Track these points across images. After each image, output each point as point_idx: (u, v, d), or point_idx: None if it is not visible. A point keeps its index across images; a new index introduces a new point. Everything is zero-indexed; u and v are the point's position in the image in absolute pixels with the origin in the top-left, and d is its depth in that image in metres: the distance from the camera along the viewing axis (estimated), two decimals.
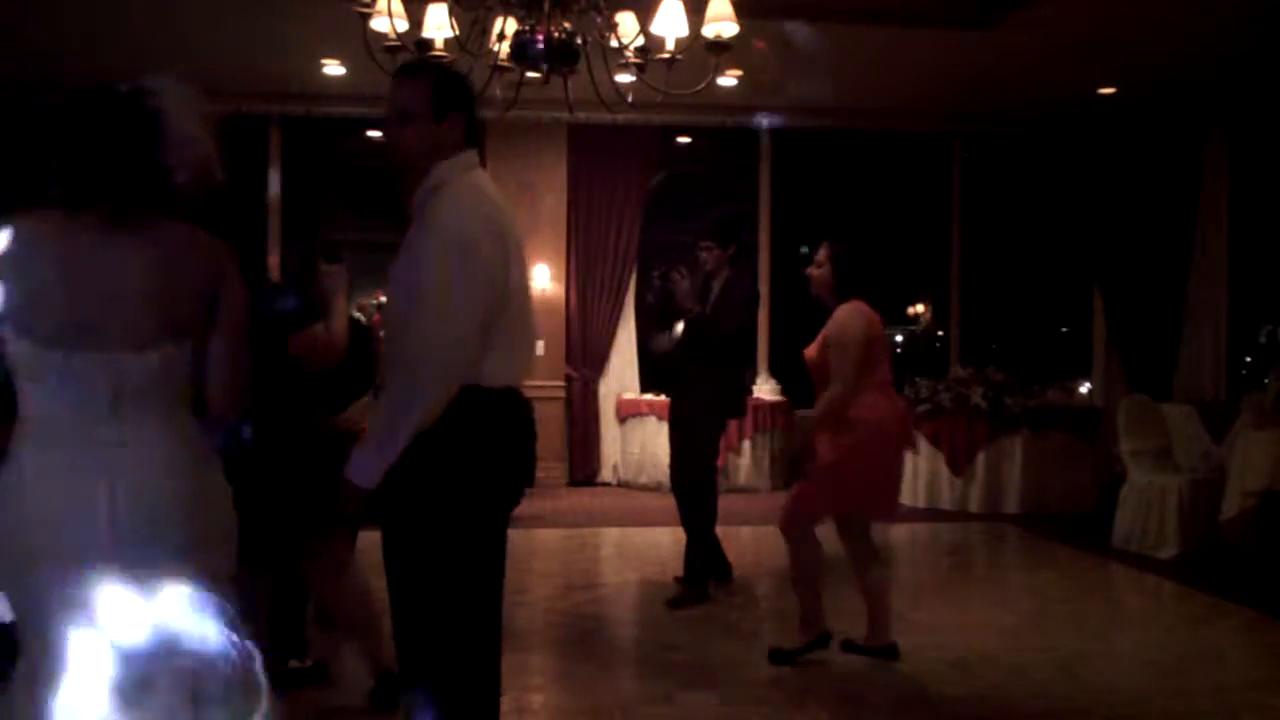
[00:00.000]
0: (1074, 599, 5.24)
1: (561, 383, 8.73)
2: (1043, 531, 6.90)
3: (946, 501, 7.70)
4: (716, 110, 8.28)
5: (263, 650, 2.06)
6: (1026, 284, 9.73)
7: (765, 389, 8.63)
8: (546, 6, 3.75)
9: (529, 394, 2.52)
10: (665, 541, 6.25)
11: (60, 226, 1.91)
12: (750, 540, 6.52)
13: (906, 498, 7.85)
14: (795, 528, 4.00)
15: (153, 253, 1.92)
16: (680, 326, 5.02)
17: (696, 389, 4.97)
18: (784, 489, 8.42)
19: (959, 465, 7.64)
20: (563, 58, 3.84)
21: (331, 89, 7.81)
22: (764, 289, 8.57)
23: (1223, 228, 8.58)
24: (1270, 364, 6.57)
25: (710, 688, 3.79)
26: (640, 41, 3.99)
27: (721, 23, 3.79)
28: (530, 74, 4.06)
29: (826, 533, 4.06)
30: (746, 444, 8.43)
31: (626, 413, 8.79)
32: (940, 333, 10.26)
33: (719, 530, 5.18)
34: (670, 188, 9.45)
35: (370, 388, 4.00)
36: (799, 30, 6.06)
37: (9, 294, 1.86)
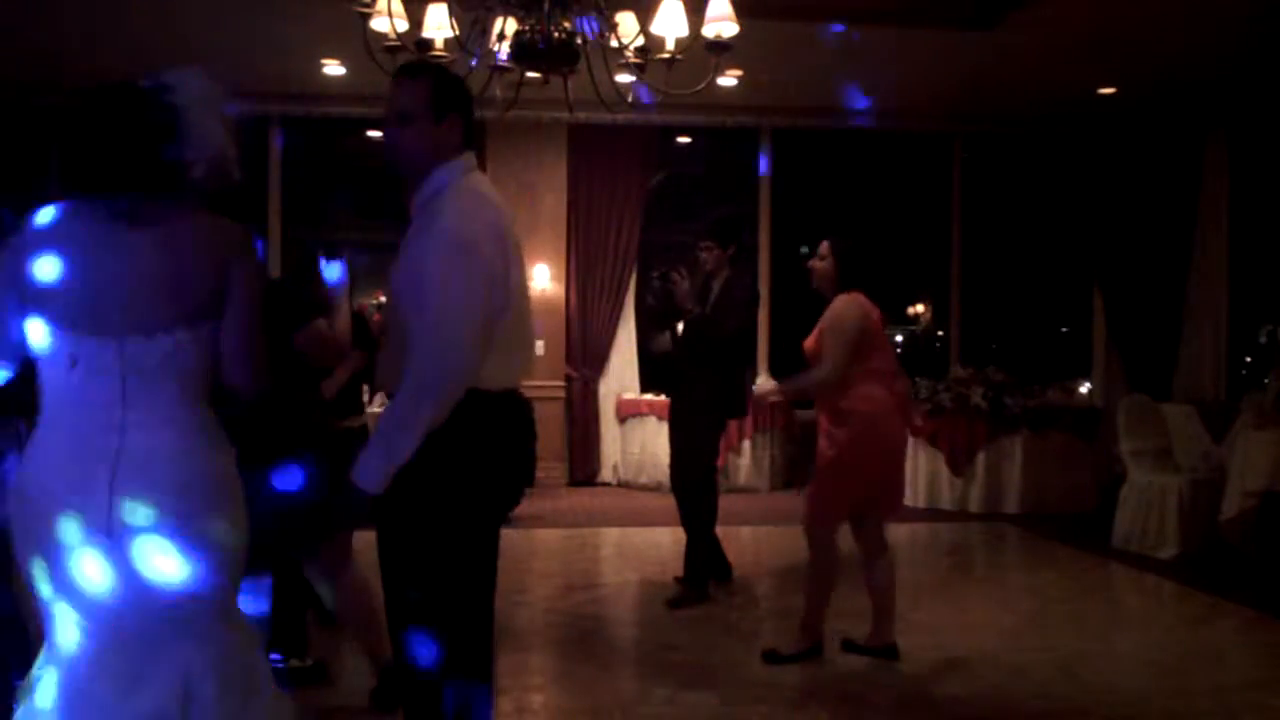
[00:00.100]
0: (1074, 599, 5.24)
1: (561, 383, 8.73)
2: (1043, 531, 6.90)
3: (946, 501, 7.70)
4: (716, 110, 8.29)
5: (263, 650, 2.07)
6: (1026, 284, 9.73)
7: (765, 389, 8.62)
8: (546, 6, 3.75)
9: (529, 394, 2.52)
10: (665, 541, 6.25)
11: (80, 217, 1.95)
12: (750, 540, 6.53)
13: (906, 497, 7.85)
14: (817, 533, 4.00)
15: (166, 243, 1.95)
16: (680, 327, 5.02)
17: (696, 389, 4.97)
18: (784, 489, 8.45)
19: (959, 465, 7.64)
20: (562, 58, 3.84)
21: (331, 89, 7.81)
22: (764, 289, 8.57)
23: (1223, 228, 8.58)
24: (1270, 364, 6.57)
25: (710, 688, 3.79)
26: (640, 41, 3.99)
27: (721, 23, 3.79)
28: (530, 74, 4.06)
29: (842, 531, 4.08)
30: (746, 444, 8.44)
31: (626, 413, 8.79)
32: (940, 333, 10.26)
33: (719, 530, 5.18)
34: (670, 188, 9.45)
35: (368, 384, 4.01)
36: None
37: (32, 281, 1.91)
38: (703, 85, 4.05)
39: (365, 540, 2.80)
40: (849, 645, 4.13)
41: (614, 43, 3.99)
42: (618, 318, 8.88)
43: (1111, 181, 8.59)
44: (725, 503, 5.35)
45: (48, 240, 1.94)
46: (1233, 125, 8.45)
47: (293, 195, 8.69)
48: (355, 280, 3.44)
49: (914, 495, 7.80)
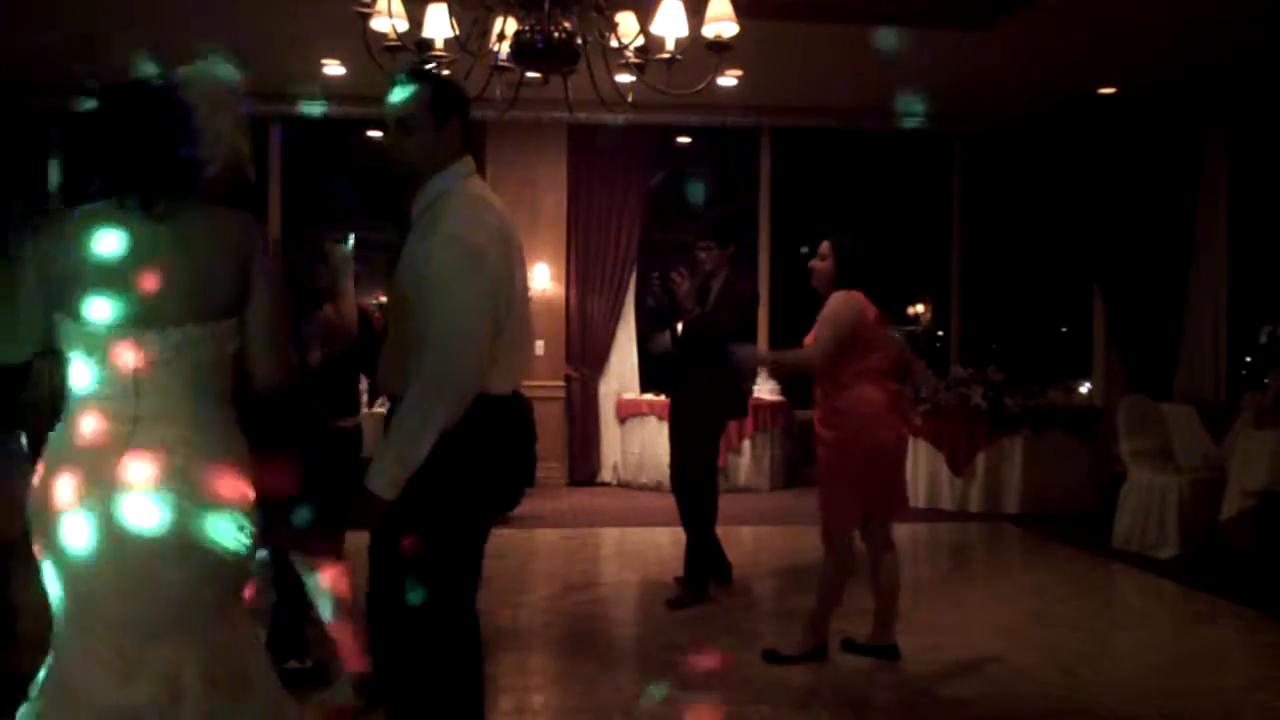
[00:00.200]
0: (1074, 599, 5.24)
1: (561, 383, 8.73)
2: (1043, 531, 6.90)
3: (946, 501, 7.70)
4: (716, 110, 8.29)
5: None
6: (1026, 284, 9.71)
7: (765, 389, 8.62)
8: (546, 6, 3.75)
9: (529, 394, 2.52)
10: (665, 541, 6.25)
11: (99, 216, 1.98)
12: (750, 540, 6.53)
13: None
14: (836, 534, 4.01)
15: (184, 239, 1.97)
16: (680, 327, 5.02)
17: (696, 389, 4.97)
18: (784, 489, 8.45)
19: (959, 465, 7.64)
20: (562, 58, 3.84)
21: (331, 89, 7.81)
22: (764, 288, 8.59)
23: (1222, 228, 8.57)
24: (1270, 364, 6.55)
25: (710, 688, 3.79)
26: (640, 41, 3.99)
27: (721, 23, 3.79)
28: (530, 74, 4.06)
29: None
30: (746, 444, 8.44)
31: (626, 413, 8.79)
32: (940, 333, 10.25)
33: (719, 530, 5.18)
34: (670, 188, 9.45)
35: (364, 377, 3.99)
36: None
37: (55, 274, 1.95)
38: (703, 85, 4.05)
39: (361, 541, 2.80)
40: (849, 645, 4.14)
41: (614, 43, 3.99)
42: (618, 318, 8.88)
43: (1111, 181, 8.58)
44: (725, 503, 5.35)
45: (70, 234, 1.97)
46: (1233, 125, 8.44)
47: (293, 195, 8.70)
48: (357, 278, 3.44)
49: (914, 495, 7.74)
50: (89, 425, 1.94)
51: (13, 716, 2.01)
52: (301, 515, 3.05)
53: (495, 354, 2.31)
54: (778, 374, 8.67)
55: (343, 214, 9.59)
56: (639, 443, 8.66)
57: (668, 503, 5.46)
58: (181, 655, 1.93)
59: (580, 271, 8.76)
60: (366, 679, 3.35)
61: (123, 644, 1.92)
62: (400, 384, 2.33)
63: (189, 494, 1.93)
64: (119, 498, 1.90)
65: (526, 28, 3.81)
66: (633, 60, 4.02)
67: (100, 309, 1.94)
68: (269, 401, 2.09)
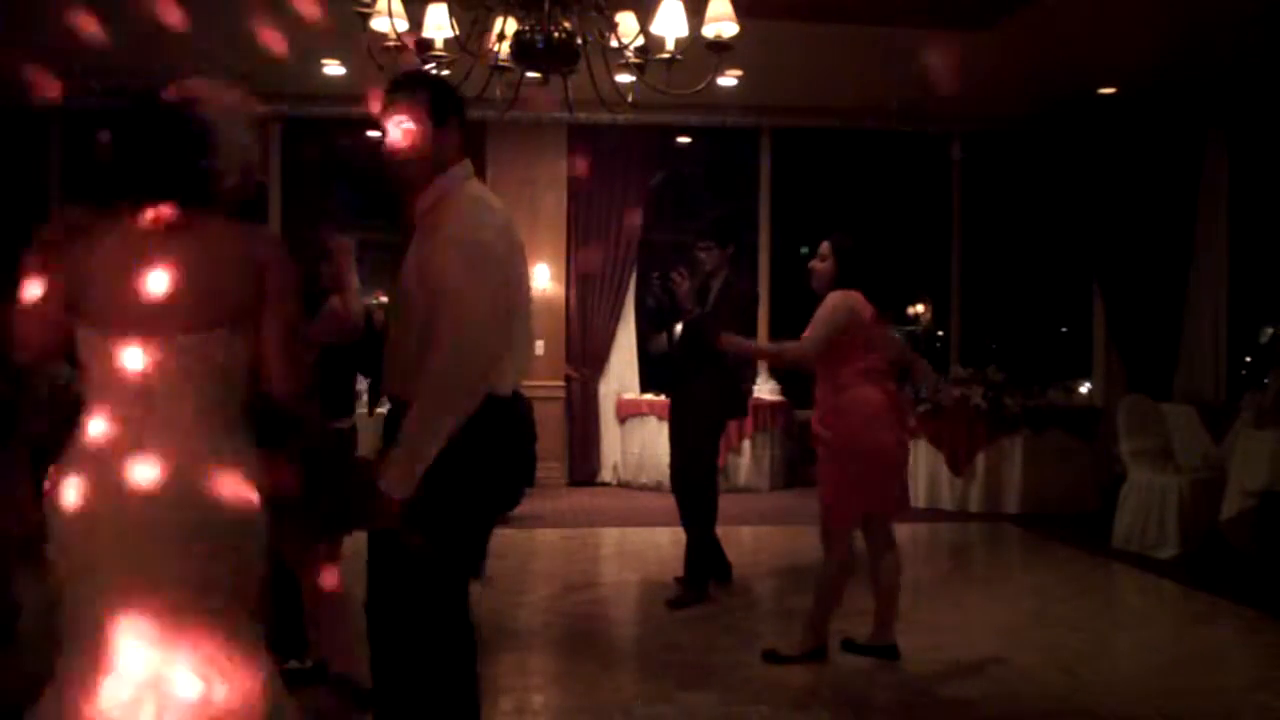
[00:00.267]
0: (1074, 599, 5.24)
1: (561, 383, 8.73)
2: (1043, 531, 6.90)
3: (946, 501, 7.70)
4: (716, 110, 8.29)
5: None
6: (1026, 284, 9.72)
7: (765, 389, 8.63)
8: (546, 6, 3.75)
9: (529, 394, 2.53)
10: (665, 541, 6.24)
11: (117, 227, 2.03)
12: (750, 540, 6.53)
13: None
14: (835, 533, 4.01)
15: (197, 250, 2.00)
16: (679, 327, 5.02)
17: (696, 389, 4.97)
18: (784, 489, 8.45)
19: (959, 465, 7.64)
20: (562, 58, 3.84)
21: (331, 89, 7.81)
22: (764, 289, 8.59)
23: (1222, 228, 8.57)
24: (1270, 364, 6.56)
25: (710, 688, 3.79)
26: (640, 41, 3.99)
27: (721, 23, 3.78)
28: (530, 74, 4.06)
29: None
30: (746, 444, 8.44)
31: (626, 413, 8.79)
32: (940, 333, 10.26)
33: (719, 530, 5.18)
34: (670, 188, 9.45)
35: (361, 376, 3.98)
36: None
37: (76, 286, 2.00)
38: (703, 85, 4.05)
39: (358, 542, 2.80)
40: (849, 645, 4.14)
41: (614, 43, 3.99)
42: (618, 318, 8.88)
43: (1111, 181, 8.58)
44: (725, 503, 5.34)
45: (88, 241, 2.02)
46: (1233, 125, 8.45)
47: (293, 195, 8.69)
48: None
49: (914, 495, 7.70)
50: (100, 429, 1.97)
51: (13, 717, 2.02)
52: (302, 516, 3.05)
53: (502, 353, 2.32)
54: (776, 373, 8.69)
55: (343, 214, 9.60)
56: (639, 443, 8.65)
57: (668, 503, 5.46)
58: (183, 655, 1.94)
59: (580, 271, 8.76)
60: (352, 681, 3.35)
61: (125, 642, 1.93)
62: (405, 385, 2.34)
63: (196, 499, 1.95)
64: (126, 501, 1.91)
65: (526, 28, 3.80)
66: (633, 60, 4.02)
67: (112, 315, 1.97)
68: (271, 404, 2.10)
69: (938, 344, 10.32)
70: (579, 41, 3.85)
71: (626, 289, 8.86)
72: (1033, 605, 5.10)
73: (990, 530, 7.14)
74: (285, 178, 8.66)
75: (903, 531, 6.81)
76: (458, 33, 3.92)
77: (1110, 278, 8.77)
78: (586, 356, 8.82)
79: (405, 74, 2.60)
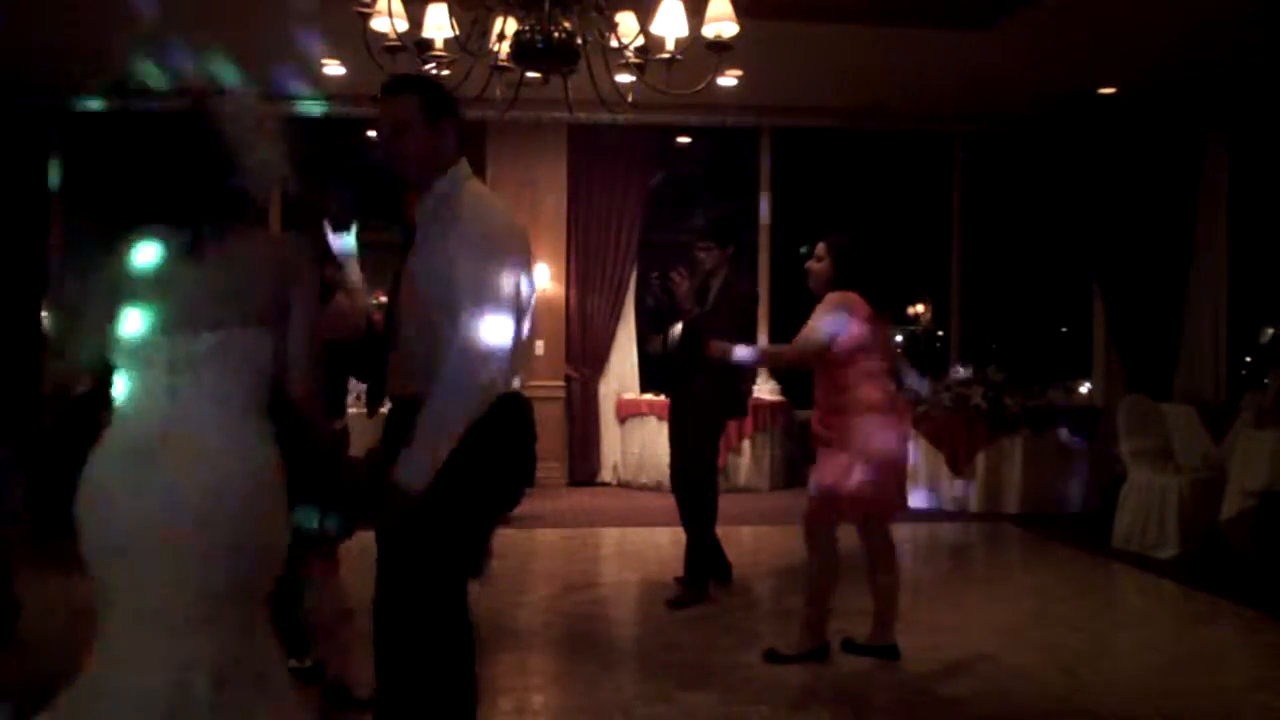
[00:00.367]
0: (1074, 599, 5.24)
1: (561, 383, 8.73)
2: (1043, 531, 6.90)
3: (946, 501, 7.70)
4: (716, 110, 8.29)
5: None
6: (1026, 284, 9.72)
7: (765, 389, 8.63)
8: (546, 6, 3.75)
9: (529, 394, 2.53)
10: (665, 541, 6.24)
11: (161, 239, 2.10)
12: (750, 540, 6.53)
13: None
14: (816, 530, 4.01)
15: (226, 259, 2.06)
16: (679, 328, 5.02)
17: (696, 389, 4.96)
18: (784, 489, 8.44)
19: (959, 465, 7.64)
20: (562, 58, 3.84)
21: (331, 89, 7.81)
22: (764, 289, 8.60)
23: (1222, 228, 8.57)
24: (1270, 364, 6.56)
25: (710, 688, 3.79)
26: (640, 41, 3.99)
27: (721, 23, 3.79)
28: (530, 74, 4.06)
29: (845, 531, 4.08)
30: (746, 444, 8.44)
31: (626, 413, 8.79)
32: (940, 333, 10.26)
33: (719, 530, 5.18)
34: (670, 188, 9.45)
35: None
36: None
37: (112, 294, 2.08)
38: (703, 85, 4.05)
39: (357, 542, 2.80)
40: (849, 645, 4.13)
41: (614, 43, 3.99)
42: (618, 318, 8.88)
43: (1111, 181, 8.59)
44: (725, 503, 5.34)
45: (126, 257, 2.10)
46: (1233, 125, 8.45)
47: (292, 195, 8.67)
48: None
49: (914, 495, 7.80)
50: (127, 426, 2.03)
51: (12, 716, 2.04)
52: (306, 516, 3.05)
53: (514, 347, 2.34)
54: (776, 373, 8.69)
55: (343, 214, 9.59)
56: (639, 443, 8.65)
57: (668, 503, 5.46)
58: (198, 651, 1.96)
59: (580, 271, 8.76)
60: (347, 685, 3.35)
61: (143, 635, 1.96)
62: (412, 384, 2.34)
63: (217, 497, 1.98)
64: (150, 496, 1.96)
65: (526, 28, 3.81)
66: (633, 60, 4.02)
67: (139, 319, 2.04)
68: (286, 403, 2.13)
69: (938, 344, 10.32)
70: (579, 41, 3.85)
71: (626, 289, 8.86)
72: (1033, 605, 5.10)
73: (990, 530, 7.14)
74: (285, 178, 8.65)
75: (903, 531, 6.84)
76: (458, 33, 3.92)
77: (1110, 277, 8.77)
78: (586, 356, 8.82)
79: (398, 76, 2.60)
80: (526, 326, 2.49)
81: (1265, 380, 6.32)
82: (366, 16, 3.91)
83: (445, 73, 3.98)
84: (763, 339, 8.69)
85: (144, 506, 1.95)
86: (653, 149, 8.81)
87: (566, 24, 3.80)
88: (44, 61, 7.12)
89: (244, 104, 2.14)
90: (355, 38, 4.06)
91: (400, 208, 2.59)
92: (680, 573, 5.10)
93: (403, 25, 3.98)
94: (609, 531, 7.00)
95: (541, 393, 7.94)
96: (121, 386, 2.07)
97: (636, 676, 4.02)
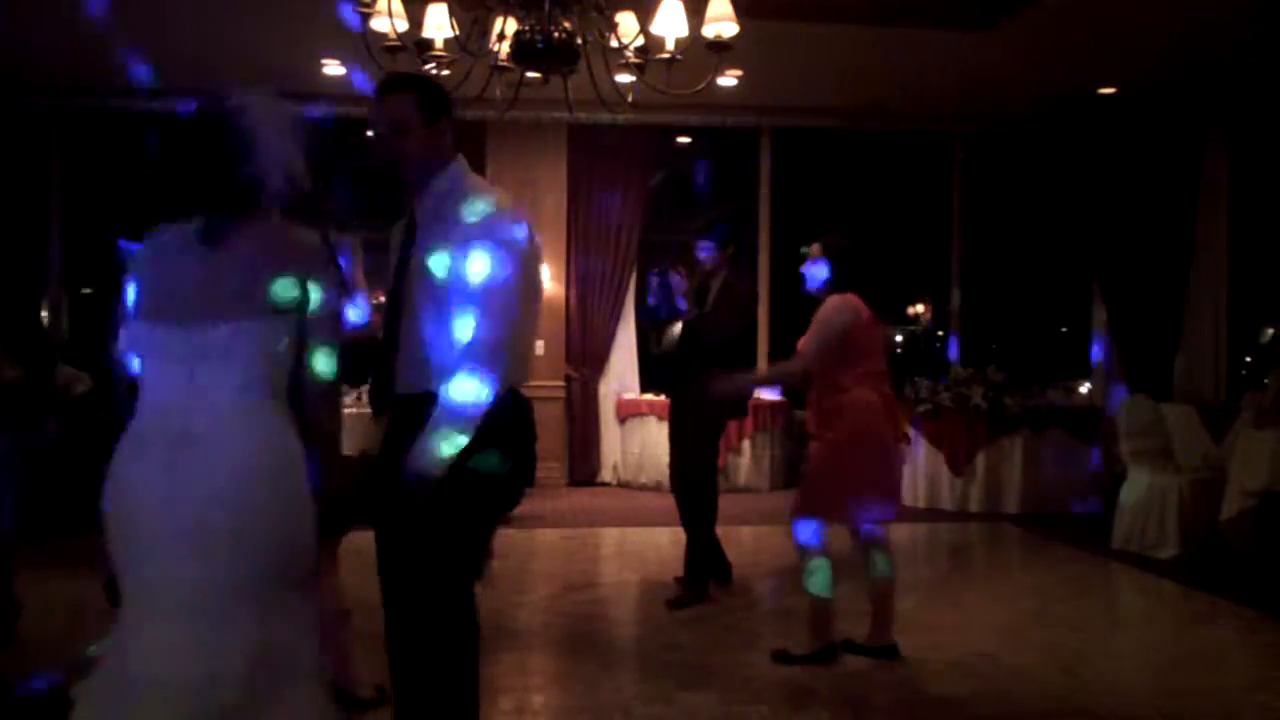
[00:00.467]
0: (1074, 599, 5.24)
1: (561, 383, 8.73)
2: (1043, 531, 6.90)
3: (946, 501, 7.70)
4: (716, 110, 8.29)
5: None
6: (1026, 284, 9.72)
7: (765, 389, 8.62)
8: (546, 6, 3.75)
9: (529, 394, 2.53)
10: (665, 541, 6.25)
11: (176, 231, 2.13)
12: (750, 540, 6.52)
13: (906, 498, 7.85)
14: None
15: (241, 254, 2.07)
16: (678, 328, 5.02)
17: (696, 389, 4.95)
18: (784, 489, 8.44)
19: (959, 465, 7.64)
20: (562, 58, 3.84)
21: (331, 89, 7.81)
22: (764, 289, 8.60)
23: (1222, 228, 8.58)
24: (1270, 364, 6.56)
25: (710, 688, 3.79)
26: (640, 41, 3.99)
27: (721, 23, 3.79)
28: (530, 74, 4.06)
29: (839, 532, 4.08)
30: (746, 444, 8.44)
31: (626, 413, 8.79)
32: (940, 333, 10.26)
33: (719, 530, 5.18)
34: (670, 188, 9.45)
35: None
36: None
37: (136, 286, 2.12)
38: (703, 85, 4.05)
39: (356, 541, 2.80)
40: (849, 646, 4.13)
41: (614, 43, 3.99)
42: (618, 318, 8.88)
43: (1111, 181, 8.59)
44: (725, 503, 5.34)
45: (144, 252, 2.15)
46: (1233, 125, 8.45)
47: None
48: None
49: (914, 495, 7.81)
50: (149, 420, 2.06)
51: (13, 716, 2.04)
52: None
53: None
54: (767, 386, 8.67)
55: (343, 214, 9.59)
56: (639, 443, 8.66)
57: (668, 503, 5.46)
58: (229, 641, 1.97)
59: (580, 271, 8.76)
60: (345, 687, 3.35)
61: (174, 627, 1.97)
62: (420, 383, 2.35)
63: (241, 486, 1.99)
64: (175, 489, 1.97)
65: (526, 28, 3.81)
66: (633, 60, 4.02)
67: (159, 310, 2.07)
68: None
69: (938, 344, 10.32)
70: (579, 41, 3.86)
71: (626, 289, 8.86)
72: (1033, 605, 5.10)
73: (990, 530, 7.14)
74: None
75: (902, 531, 6.87)
76: (457, 33, 3.92)
77: (1110, 277, 8.77)
78: (586, 356, 8.82)
79: (393, 75, 2.61)
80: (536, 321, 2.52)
81: (1265, 380, 6.31)
82: (366, 16, 3.91)
83: (445, 73, 3.98)
84: (763, 339, 8.72)
85: (169, 499, 1.97)
86: (653, 149, 8.81)
87: (566, 24, 3.81)
88: (44, 61, 7.12)
89: (262, 100, 2.17)
90: (355, 38, 4.06)
91: (400, 207, 2.59)
92: (680, 573, 5.10)
93: (403, 25, 3.98)
94: (609, 531, 7.00)
95: (541, 393, 7.95)
96: (143, 379, 2.09)
97: (636, 676, 4.02)
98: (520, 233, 2.42)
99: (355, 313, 3.30)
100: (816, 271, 4.05)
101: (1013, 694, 3.79)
